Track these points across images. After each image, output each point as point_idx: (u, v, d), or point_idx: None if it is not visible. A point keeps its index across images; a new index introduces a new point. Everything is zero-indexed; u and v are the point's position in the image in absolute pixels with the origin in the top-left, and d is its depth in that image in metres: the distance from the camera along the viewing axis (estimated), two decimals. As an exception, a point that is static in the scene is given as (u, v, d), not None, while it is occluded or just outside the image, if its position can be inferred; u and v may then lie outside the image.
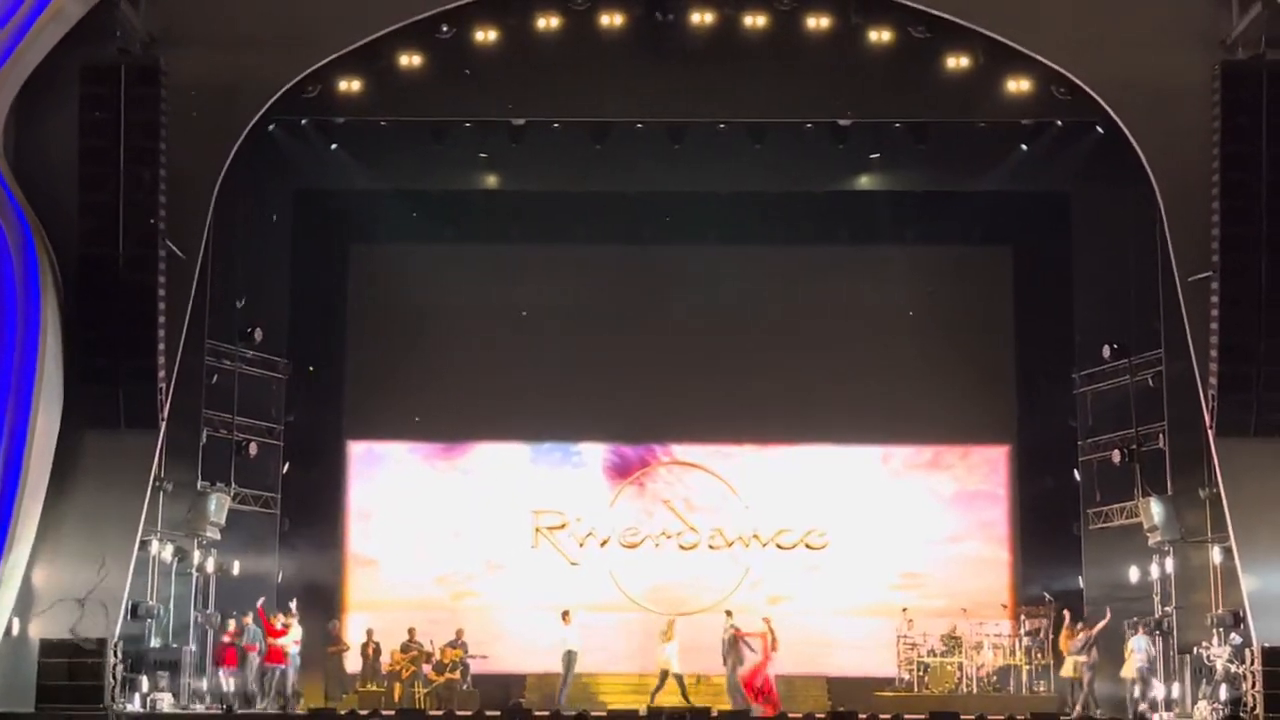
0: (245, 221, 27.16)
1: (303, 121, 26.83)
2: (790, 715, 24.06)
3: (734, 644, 25.80)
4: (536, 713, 23.62)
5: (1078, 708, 25.24)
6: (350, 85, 25.99)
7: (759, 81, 25.94)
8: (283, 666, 25.94)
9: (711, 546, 29.73)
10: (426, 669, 27.19)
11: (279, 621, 26.16)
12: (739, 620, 26.36)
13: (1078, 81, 25.20)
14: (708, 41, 25.73)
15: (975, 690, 26.90)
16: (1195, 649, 24.75)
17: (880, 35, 25.55)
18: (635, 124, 26.76)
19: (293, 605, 26.62)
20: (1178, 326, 25.12)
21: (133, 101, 23.80)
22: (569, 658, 26.61)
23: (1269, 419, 23.89)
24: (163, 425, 24.60)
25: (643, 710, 24.02)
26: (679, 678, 25.99)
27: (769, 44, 25.66)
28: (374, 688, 27.12)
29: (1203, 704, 23.89)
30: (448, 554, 29.76)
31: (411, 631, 27.58)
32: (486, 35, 25.75)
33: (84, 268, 24.01)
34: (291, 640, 26.11)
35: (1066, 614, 26.84)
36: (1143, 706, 25.01)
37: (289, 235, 28.96)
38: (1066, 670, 25.98)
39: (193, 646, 26.00)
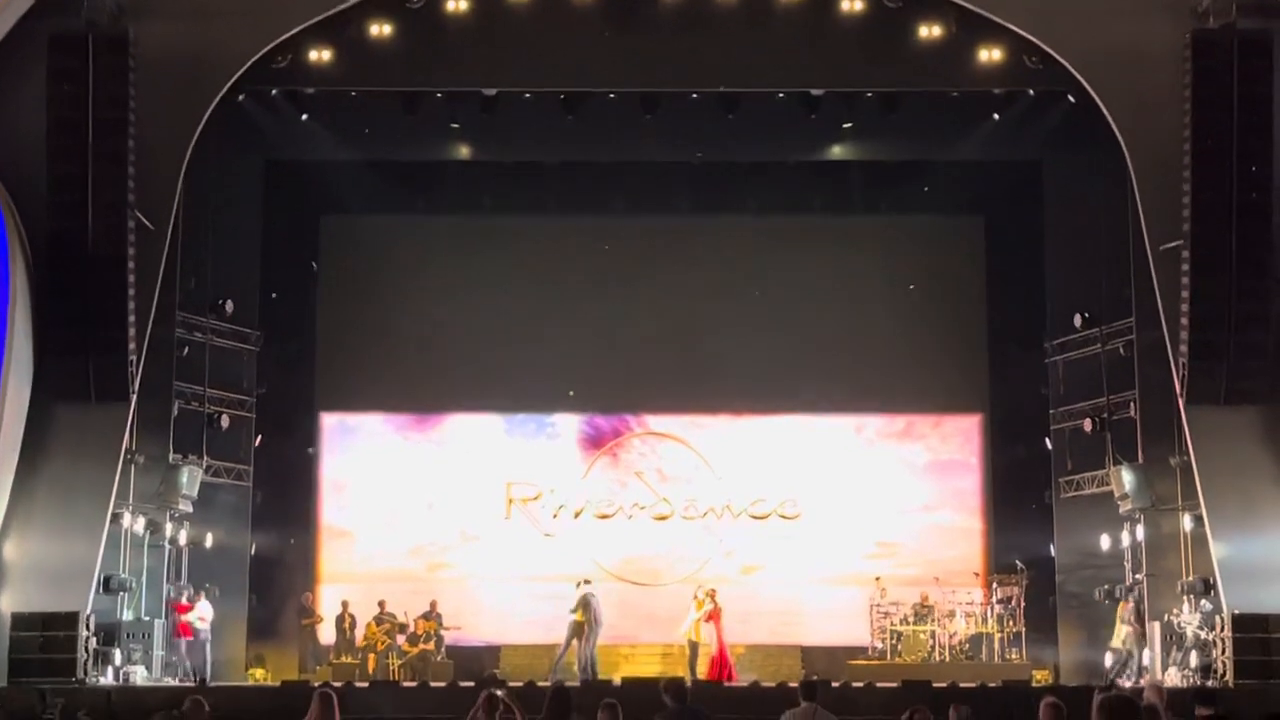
0: (215, 192, 27.02)
1: (273, 92, 26.64)
2: (763, 684, 24.20)
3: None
4: (511, 683, 23.70)
5: (1112, 678, 25.33)
6: (320, 55, 25.84)
7: (731, 51, 25.87)
8: (188, 640, 25.91)
9: (685, 517, 29.78)
10: (400, 640, 27.26)
11: (185, 595, 26.15)
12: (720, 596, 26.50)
13: (1049, 50, 25.25)
14: (680, 11, 25.69)
15: (948, 658, 27.02)
16: (1165, 616, 24.94)
17: (852, 4, 25.53)
18: (608, 94, 26.70)
19: (209, 586, 26.50)
20: (1149, 295, 25.25)
21: (101, 73, 23.69)
22: (574, 628, 26.44)
23: (1238, 387, 24.06)
24: (133, 397, 24.56)
25: (617, 680, 24.13)
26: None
27: (741, 13, 25.62)
28: (348, 660, 27.18)
29: (1173, 670, 24.09)
30: (422, 525, 29.77)
31: (382, 604, 27.63)
32: (458, 5, 25.65)
33: (53, 240, 23.93)
34: (197, 616, 26.06)
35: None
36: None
37: (260, 206, 28.87)
38: (1116, 640, 26.05)
39: (165, 620, 25.97)
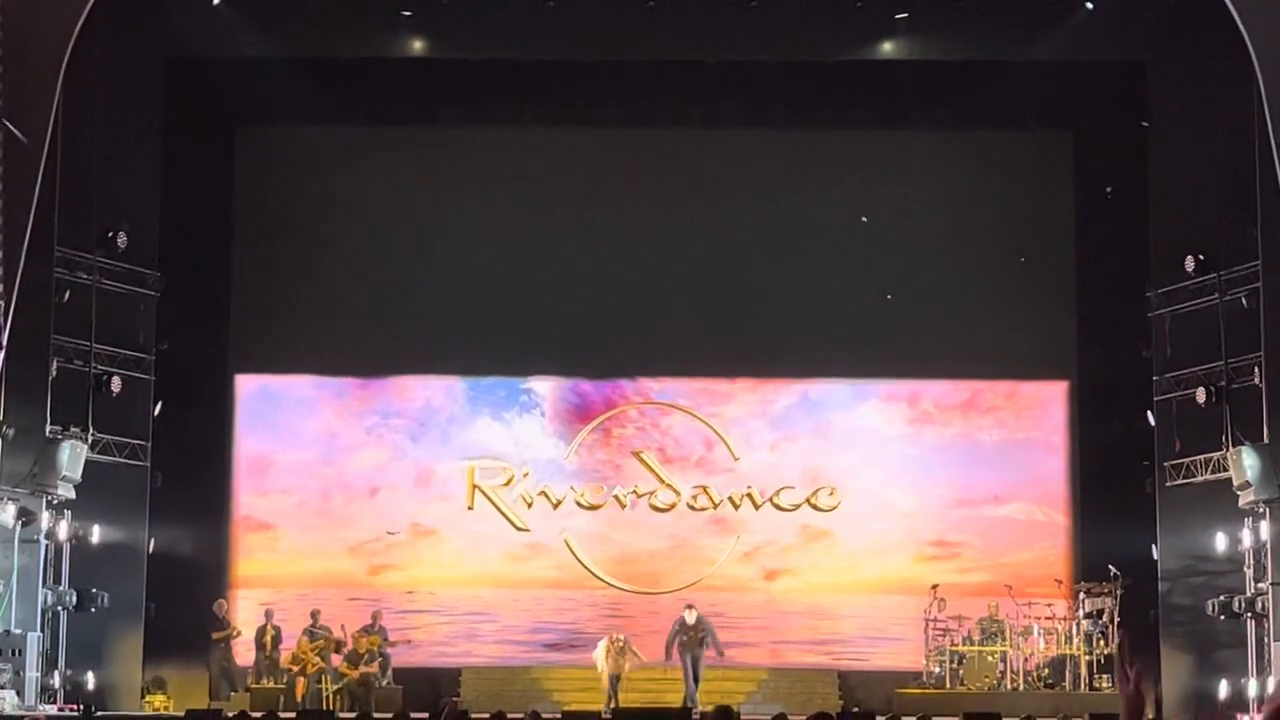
0: (105, 97, 26.96)
1: (177, -31, 26.76)
2: (792, 718, 24.26)
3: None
4: (474, 715, 23.78)
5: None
6: (237, -77, 25.86)
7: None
8: None
9: (693, 508, 29.86)
10: (336, 660, 27.33)
11: None
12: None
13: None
14: None
15: (1022, 686, 27.16)
16: (1297, 635, 25.04)
17: None
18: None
19: None
20: (1278, 233, 25.21)
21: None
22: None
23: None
24: (1, 355, 24.53)
25: (605, 712, 24.23)
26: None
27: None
28: (271, 684, 27.26)
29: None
30: (363, 517, 29.84)
31: (315, 615, 27.76)
32: None
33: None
34: None
35: None
36: None
37: (160, 115, 28.80)
38: None
39: (41, 633, 26.03)
